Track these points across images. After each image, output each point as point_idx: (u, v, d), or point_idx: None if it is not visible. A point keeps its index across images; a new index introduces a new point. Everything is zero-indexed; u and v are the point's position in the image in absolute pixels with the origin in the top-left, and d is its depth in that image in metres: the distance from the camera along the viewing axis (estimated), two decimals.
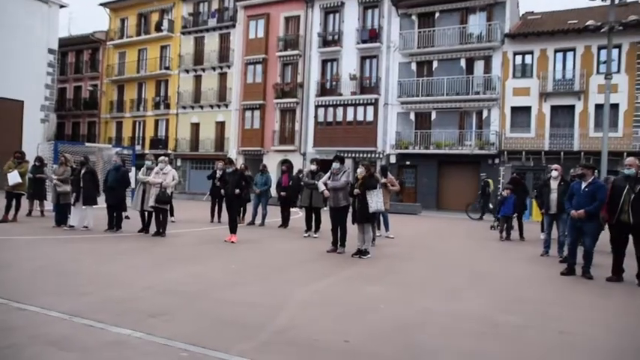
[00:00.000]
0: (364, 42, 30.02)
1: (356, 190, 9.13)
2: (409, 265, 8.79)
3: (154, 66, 38.10)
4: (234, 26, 34.73)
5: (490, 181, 22.04)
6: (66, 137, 39.96)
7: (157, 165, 11.47)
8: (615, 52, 23.45)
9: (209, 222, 14.94)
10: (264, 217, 14.69)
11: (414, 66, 29.08)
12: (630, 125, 24.41)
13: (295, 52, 32.04)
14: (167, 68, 37.45)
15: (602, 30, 18.59)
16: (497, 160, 26.76)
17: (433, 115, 28.41)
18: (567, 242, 8.54)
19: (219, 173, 13.75)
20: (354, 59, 30.47)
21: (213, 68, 35.58)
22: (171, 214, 13.68)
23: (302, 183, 12.54)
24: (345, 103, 30.35)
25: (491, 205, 21.45)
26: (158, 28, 37.96)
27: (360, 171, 9.30)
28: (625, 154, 21.28)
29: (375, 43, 29.73)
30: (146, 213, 11.51)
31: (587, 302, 6.35)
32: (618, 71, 24.24)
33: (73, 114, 42.10)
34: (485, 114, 27.32)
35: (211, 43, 35.81)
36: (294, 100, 32.04)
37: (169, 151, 35.77)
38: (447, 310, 5.64)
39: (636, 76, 24.52)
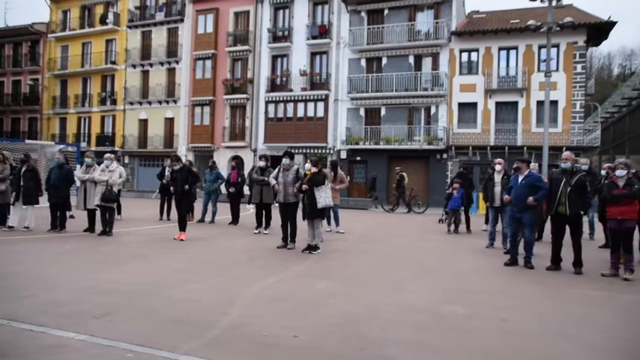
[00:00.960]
0: (314, 38, 30.13)
1: (304, 186, 9.15)
2: (358, 259, 8.90)
3: (99, 60, 36.90)
4: (182, 21, 34.09)
5: (405, 174, 22.56)
6: (5, 134, 38.30)
7: (99, 163, 11.19)
8: (554, 51, 24.48)
9: (158, 220, 14.68)
10: (214, 214, 14.54)
11: (363, 62, 29.38)
12: (568, 121, 25.55)
13: (245, 47, 31.78)
14: (113, 63, 36.36)
15: (542, 30, 19.33)
16: (445, 155, 27.42)
17: (383, 111, 28.81)
18: (508, 234, 8.87)
19: (168, 172, 13.53)
20: (304, 55, 30.52)
21: (162, 63, 34.82)
22: (119, 212, 13.42)
23: (252, 179, 12.44)
24: (296, 99, 30.39)
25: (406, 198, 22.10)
26: (103, 21, 36.82)
27: (308, 166, 9.33)
28: (564, 148, 22.17)
29: (324, 39, 29.88)
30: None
31: (529, 291, 6.60)
32: (557, 69, 25.34)
33: (12, 109, 40.29)
34: (433, 110, 27.93)
35: (159, 37, 35.01)
36: (244, 96, 31.78)
37: (117, 148, 34.81)
38: (394, 302, 5.75)
39: (573, 74, 25.68)
